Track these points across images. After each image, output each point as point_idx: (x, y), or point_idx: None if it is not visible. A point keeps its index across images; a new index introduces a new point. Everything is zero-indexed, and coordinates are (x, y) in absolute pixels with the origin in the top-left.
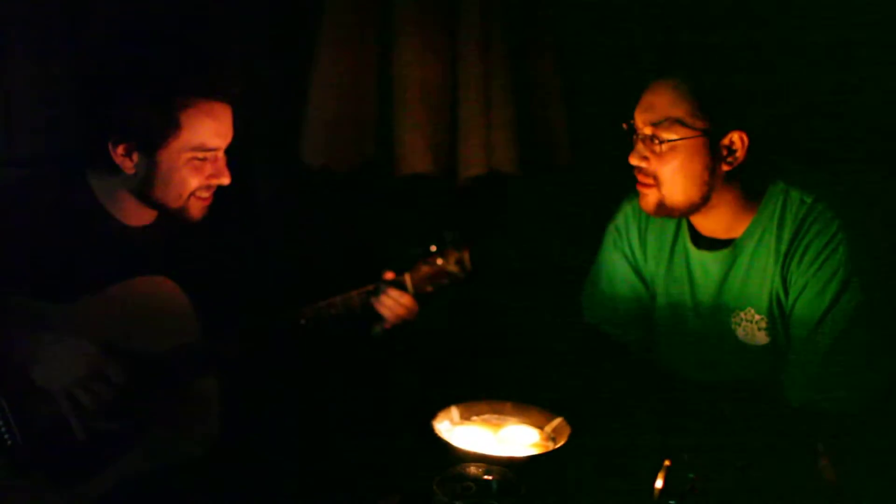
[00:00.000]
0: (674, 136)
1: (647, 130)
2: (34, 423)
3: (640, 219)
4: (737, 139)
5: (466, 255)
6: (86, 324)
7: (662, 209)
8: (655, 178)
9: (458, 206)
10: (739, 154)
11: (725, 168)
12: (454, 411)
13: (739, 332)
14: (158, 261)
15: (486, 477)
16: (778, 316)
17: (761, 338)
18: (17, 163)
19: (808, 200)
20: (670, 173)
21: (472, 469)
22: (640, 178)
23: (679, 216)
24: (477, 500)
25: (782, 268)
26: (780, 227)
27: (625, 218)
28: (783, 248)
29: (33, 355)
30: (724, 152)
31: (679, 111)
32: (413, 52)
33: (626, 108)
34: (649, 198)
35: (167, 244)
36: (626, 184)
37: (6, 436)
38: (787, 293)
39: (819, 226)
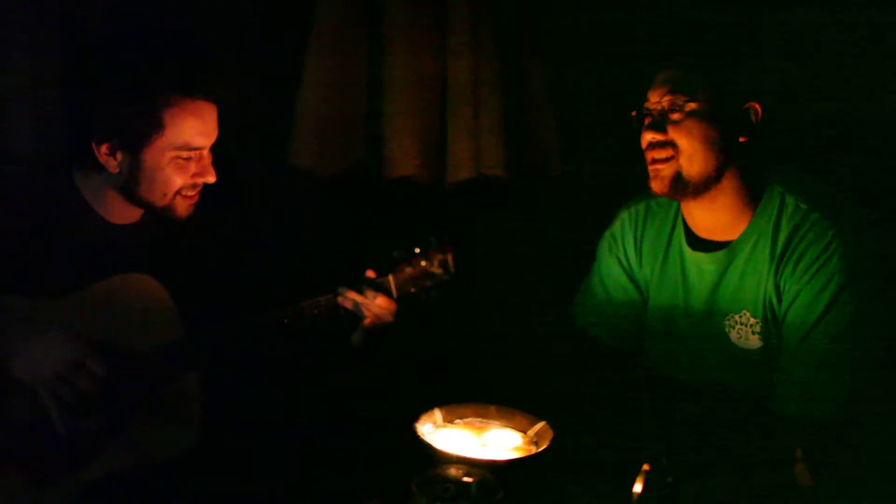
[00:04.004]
0: (688, 98)
1: (665, 102)
2: (14, 419)
3: (636, 227)
4: (750, 109)
5: (450, 258)
6: (68, 321)
7: (678, 183)
8: (675, 147)
9: (447, 210)
10: (754, 123)
11: (742, 140)
12: (437, 414)
13: (733, 335)
14: (143, 259)
15: (465, 479)
16: (771, 321)
17: (754, 341)
18: (7, 160)
19: (804, 208)
20: (689, 140)
21: (452, 471)
22: (656, 153)
23: (693, 192)
24: (455, 501)
25: (776, 274)
26: (776, 231)
27: (621, 225)
28: (777, 253)
29: (13, 348)
30: (740, 122)
31: (689, 79)
32: (403, 55)
33: (619, 114)
34: (665, 171)
35: (152, 243)
36: (616, 193)
37: None
38: (780, 300)
39: (813, 234)
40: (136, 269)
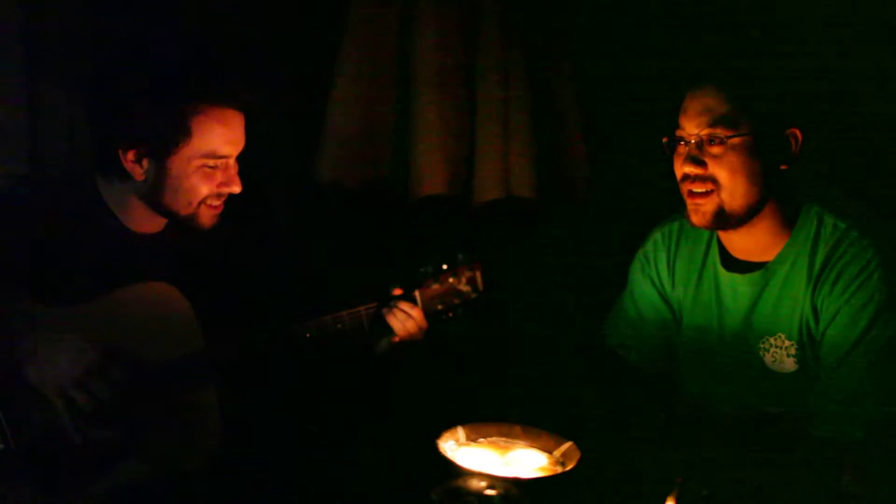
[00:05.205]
0: (732, 133)
1: (704, 133)
2: (28, 428)
3: (670, 246)
4: (791, 136)
5: (479, 275)
6: (87, 328)
7: (720, 217)
8: (715, 181)
9: (474, 228)
10: (795, 150)
11: (783, 168)
12: (460, 431)
13: (767, 358)
14: (165, 268)
15: (488, 492)
16: (808, 342)
17: (790, 364)
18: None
19: (842, 226)
20: (731, 174)
21: (474, 484)
22: (695, 187)
23: (735, 224)
24: None
25: (813, 294)
26: (814, 250)
27: (654, 245)
28: (815, 273)
29: (28, 355)
30: (781, 150)
31: (731, 112)
32: (432, 74)
33: (650, 136)
34: (706, 206)
35: (175, 252)
36: (648, 213)
37: None
38: (817, 320)
39: (852, 252)
40: (158, 278)
